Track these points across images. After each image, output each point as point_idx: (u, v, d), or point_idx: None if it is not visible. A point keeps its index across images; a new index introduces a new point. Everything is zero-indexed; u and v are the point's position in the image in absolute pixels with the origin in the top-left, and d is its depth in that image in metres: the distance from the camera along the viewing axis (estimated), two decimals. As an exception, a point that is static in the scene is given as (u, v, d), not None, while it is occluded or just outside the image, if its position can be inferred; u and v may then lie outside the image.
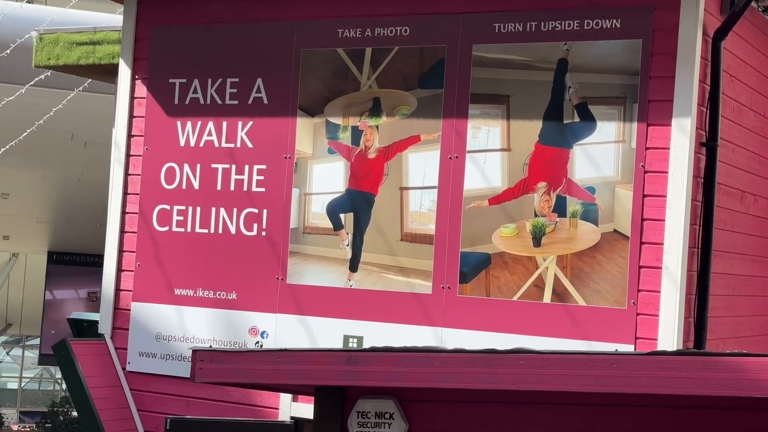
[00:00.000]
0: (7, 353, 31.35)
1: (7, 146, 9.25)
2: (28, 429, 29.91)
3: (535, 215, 4.07)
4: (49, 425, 24.24)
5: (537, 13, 4.15)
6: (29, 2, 10.98)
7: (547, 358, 2.36)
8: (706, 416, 2.33)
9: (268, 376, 3.07)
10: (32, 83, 8.74)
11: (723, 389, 1.98)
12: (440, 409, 2.84)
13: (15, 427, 31.11)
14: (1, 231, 18.90)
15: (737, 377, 1.88)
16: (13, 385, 32.36)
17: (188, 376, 2.73)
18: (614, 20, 3.97)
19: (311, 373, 2.87)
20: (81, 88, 9.14)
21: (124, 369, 5.08)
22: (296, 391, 3.89)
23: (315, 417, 3.11)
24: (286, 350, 2.88)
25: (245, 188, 4.80)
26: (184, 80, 5.05)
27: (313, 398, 3.08)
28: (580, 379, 2.31)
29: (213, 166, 4.83)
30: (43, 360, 21.42)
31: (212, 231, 4.87)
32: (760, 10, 4.68)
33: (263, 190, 4.75)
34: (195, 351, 2.92)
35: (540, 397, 2.53)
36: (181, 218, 4.95)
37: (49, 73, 7.82)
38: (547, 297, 3.99)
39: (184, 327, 4.88)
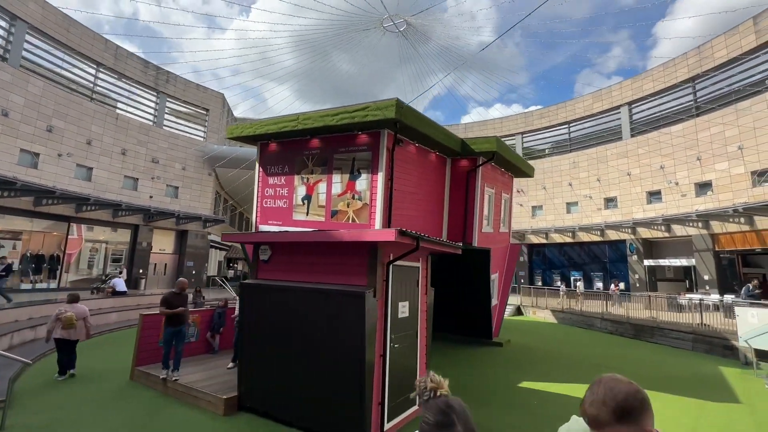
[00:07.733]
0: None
1: (239, 181, 22.60)
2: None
3: (348, 199, 11.35)
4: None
5: (346, 148, 11.29)
6: (241, 147, 24.51)
7: (320, 233, 10.89)
8: (351, 247, 10.22)
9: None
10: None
11: (358, 237, 10.52)
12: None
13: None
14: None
15: (364, 234, 10.31)
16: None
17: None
18: (365, 147, 10.99)
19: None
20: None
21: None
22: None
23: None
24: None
25: (286, 194, 13.52)
26: (271, 165, 12.78)
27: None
28: (323, 237, 10.78)
29: (277, 191, 13.67)
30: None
31: (279, 206, 13.19)
32: (401, 144, 11.50)
33: (286, 193, 13.46)
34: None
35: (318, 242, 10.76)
36: (269, 203, 12.81)
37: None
38: (350, 220, 11.41)
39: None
